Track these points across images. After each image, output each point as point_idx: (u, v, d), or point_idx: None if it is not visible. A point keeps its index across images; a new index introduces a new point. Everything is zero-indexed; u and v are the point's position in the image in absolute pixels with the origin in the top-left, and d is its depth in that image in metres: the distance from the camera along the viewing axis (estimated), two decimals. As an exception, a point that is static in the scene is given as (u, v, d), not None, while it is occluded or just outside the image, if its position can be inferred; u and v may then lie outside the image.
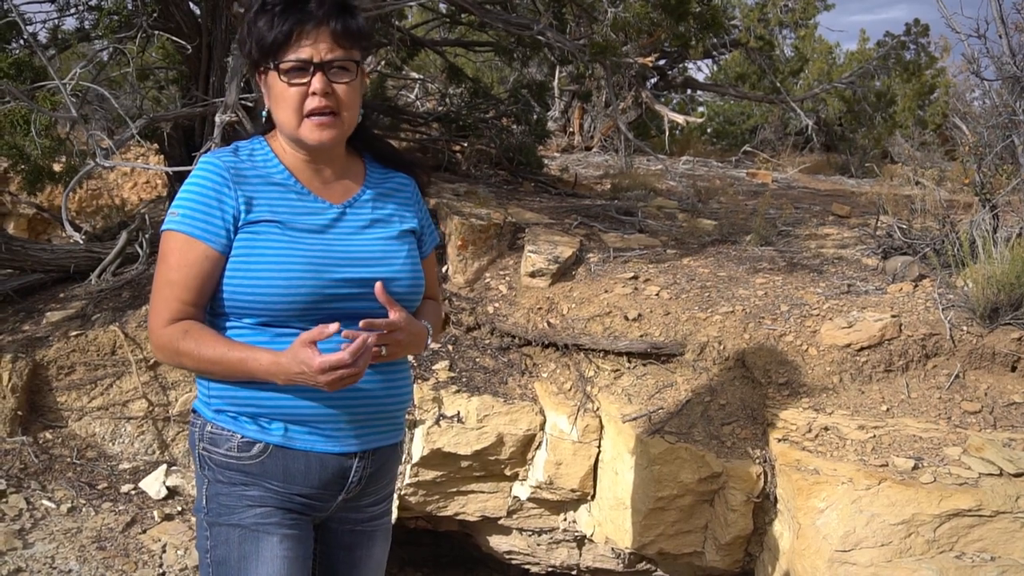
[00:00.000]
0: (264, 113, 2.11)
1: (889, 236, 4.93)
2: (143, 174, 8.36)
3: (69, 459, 4.27)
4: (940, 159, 10.94)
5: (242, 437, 2.02)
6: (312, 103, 1.99)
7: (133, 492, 4.19)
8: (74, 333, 4.61)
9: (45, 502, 3.97)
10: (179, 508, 4.14)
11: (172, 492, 4.22)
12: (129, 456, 4.38)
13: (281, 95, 2.01)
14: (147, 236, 5.11)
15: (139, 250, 5.05)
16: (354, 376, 1.88)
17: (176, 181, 5.48)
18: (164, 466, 4.31)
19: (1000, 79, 4.62)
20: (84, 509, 4.00)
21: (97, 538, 3.83)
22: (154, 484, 4.22)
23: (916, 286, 4.37)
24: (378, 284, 1.95)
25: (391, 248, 2.11)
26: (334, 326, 1.86)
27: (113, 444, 4.40)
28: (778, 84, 9.90)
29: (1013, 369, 3.86)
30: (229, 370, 1.96)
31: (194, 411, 2.12)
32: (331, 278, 1.98)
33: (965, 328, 3.96)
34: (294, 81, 1.98)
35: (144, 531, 3.96)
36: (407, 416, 3.59)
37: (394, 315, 1.98)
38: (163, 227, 2.02)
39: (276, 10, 1.97)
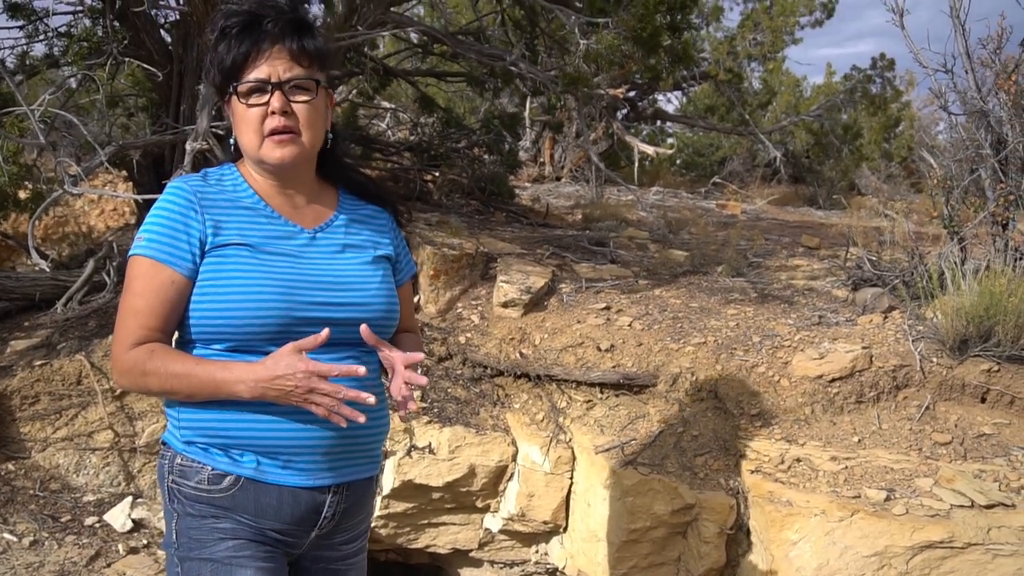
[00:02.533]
0: (232, 141, 2.09)
1: (859, 268, 4.97)
2: (111, 202, 8.28)
3: (32, 491, 4.18)
4: (906, 191, 11.11)
5: (212, 469, 1.96)
6: (271, 123, 1.96)
7: (98, 525, 4.11)
8: (39, 362, 4.53)
9: (7, 535, 3.89)
10: (144, 541, 4.06)
11: (138, 525, 4.14)
12: (94, 488, 4.30)
13: (242, 117, 1.98)
14: (114, 264, 5.04)
15: (106, 278, 4.98)
16: (332, 394, 1.85)
17: (144, 209, 5.41)
18: (129, 498, 4.23)
19: (966, 113, 4.69)
20: (47, 542, 3.92)
21: (60, 572, 3.75)
22: (119, 517, 4.14)
23: (886, 318, 4.40)
24: (363, 326, 1.95)
25: (365, 273, 2.08)
26: (325, 332, 1.86)
27: (77, 476, 4.32)
28: (747, 116, 10.02)
29: (983, 400, 3.88)
30: (197, 383, 1.90)
31: (164, 443, 2.06)
32: (302, 301, 1.94)
33: (935, 360, 3.99)
34: (252, 102, 1.96)
35: (108, 565, 3.88)
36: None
37: (390, 354, 2.01)
38: (129, 252, 1.98)
39: (233, 32, 1.95)
